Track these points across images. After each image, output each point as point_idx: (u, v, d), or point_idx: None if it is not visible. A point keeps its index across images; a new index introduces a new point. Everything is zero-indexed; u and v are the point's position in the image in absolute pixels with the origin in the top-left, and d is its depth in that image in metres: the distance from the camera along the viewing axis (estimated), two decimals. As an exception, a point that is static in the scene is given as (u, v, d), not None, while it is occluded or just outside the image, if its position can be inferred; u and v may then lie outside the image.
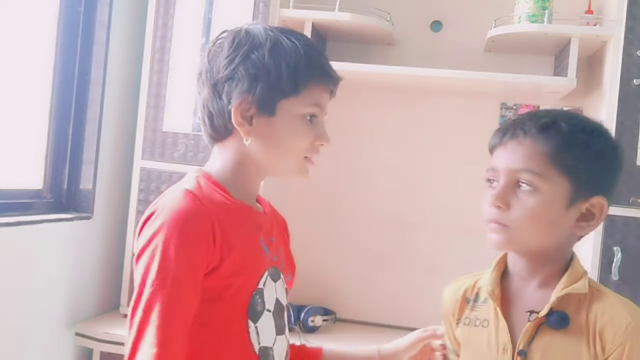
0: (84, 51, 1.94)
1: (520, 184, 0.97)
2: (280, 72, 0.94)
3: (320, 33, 2.13)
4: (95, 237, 2.03)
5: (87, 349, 1.92)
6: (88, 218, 1.95)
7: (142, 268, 0.88)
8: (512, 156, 0.99)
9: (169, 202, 0.91)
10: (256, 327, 0.95)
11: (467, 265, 2.17)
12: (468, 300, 1.09)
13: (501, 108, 2.20)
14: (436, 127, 2.24)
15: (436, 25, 2.24)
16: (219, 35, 1.01)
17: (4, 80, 1.73)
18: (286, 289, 1.05)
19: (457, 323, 1.10)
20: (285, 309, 1.04)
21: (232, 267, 0.91)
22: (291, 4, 2.00)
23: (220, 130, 0.99)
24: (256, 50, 0.95)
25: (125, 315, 1.97)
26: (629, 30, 1.78)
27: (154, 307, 0.85)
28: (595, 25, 1.92)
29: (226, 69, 0.95)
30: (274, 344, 0.98)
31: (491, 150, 1.04)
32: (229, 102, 0.95)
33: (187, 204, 0.90)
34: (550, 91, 2.06)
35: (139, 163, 2.00)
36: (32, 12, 1.83)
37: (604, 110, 1.83)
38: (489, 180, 1.02)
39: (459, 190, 2.21)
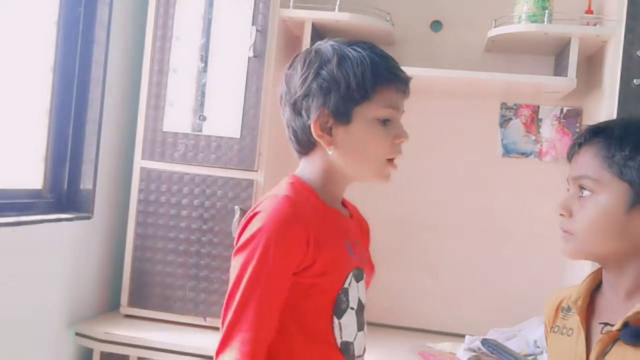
0: (84, 51, 1.94)
1: (582, 190, 1.00)
2: (349, 82, 1.01)
3: (320, 33, 2.13)
4: (95, 237, 2.03)
5: (87, 349, 1.92)
6: (88, 218, 1.95)
7: (240, 262, 0.97)
8: (574, 165, 1.03)
9: (270, 205, 0.99)
10: (340, 323, 1.02)
11: (468, 265, 2.19)
12: (562, 309, 1.09)
13: (501, 108, 2.21)
14: (436, 127, 2.23)
15: (436, 25, 2.24)
16: (293, 59, 1.09)
17: (4, 80, 1.73)
18: (365, 288, 1.12)
19: (550, 330, 1.10)
20: (365, 307, 1.10)
21: (322, 267, 0.99)
22: (291, 4, 2.00)
23: (305, 144, 1.06)
24: (325, 66, 1.02)
25: (126, 315, 1.99)
26: (629, 30, 1.78)
27: (252, 296, 0.94)
28: (595, 25, 1.92)
29: (301, 87, 1.03)
30: (354, 339, 1.05)
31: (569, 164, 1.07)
32: (308, 118, 1.03)
33: (286, 208, 0.98)
34: (550, 91, 2.06)
35: (139, 163, 2.01)
36: (32, 12, 1.83)
37: (604, 110, 1.83)
38: (568, 191, 1.05)
39: (459, 190, 2.21)
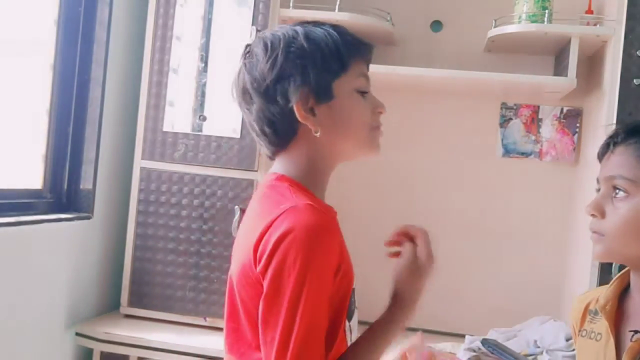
0: (84, 51, 1.94)
1: (615, 191, 0.97)
2: (324, 55, 0.94)
3: (320, 33, 2.13)
4: (95, 237, 2.03)
5: (87, 349, 1.92)
6: (88, 218, 1.95)
7: (287, 293, 0.85)
8: (608, 165, 1.00)
9: (300, 221, 0.87)
10: (350, 325, 0.97)
11: (468, 265, 2.19)
12: (590, 312, 1.07)
13: (501, 108, 2.20)
14: (436, 127, 2.24)
15: (436, 25, 2.24)
16: (245, 50, 1.01)
17: (4, 80, 1.73)
18: None
19: (578, 334, 1.09)
20: None
21: (344, 270, 0.92)
22: (291, 4, 2.00)
23: (285, 134, 0.97)
24: (293, 44, 0.95)
25: (126, 315, 1.99)
26: (629, 30, 1.78)
27: (313, 327, 0.85)
28: (595, 25, 1.92)
29: (272, 71, 0.94)
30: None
31: (599, 162, 1.05)
32: (287, 102, 0.94)
33: (318, 220, 0.88)
34: (550, 91, 2.06)
35: (139, 163, 2.01)
36: (33, 11, 1.83)
37: (604, 110, 1.82)
38: (597, 192, 1.02)
39: (459, 190, 2.21)
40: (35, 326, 1.76)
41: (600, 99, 1.92)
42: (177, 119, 1.99)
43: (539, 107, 2.18)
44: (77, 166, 1.96)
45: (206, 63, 1.97)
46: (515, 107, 2.19)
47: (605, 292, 1.03)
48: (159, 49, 1.99)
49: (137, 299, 2.00)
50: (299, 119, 0.94)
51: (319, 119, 0.95)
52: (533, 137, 2.18)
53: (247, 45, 1.02)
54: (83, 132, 1.95)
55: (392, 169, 2.24)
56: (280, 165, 1.00)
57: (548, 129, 2.17)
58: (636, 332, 0.95)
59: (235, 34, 1.95)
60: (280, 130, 0.97)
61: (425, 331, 2.20)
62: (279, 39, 0.96)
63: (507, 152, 2.19)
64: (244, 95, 0.99)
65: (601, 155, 1.03)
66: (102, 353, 1.88)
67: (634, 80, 1.77)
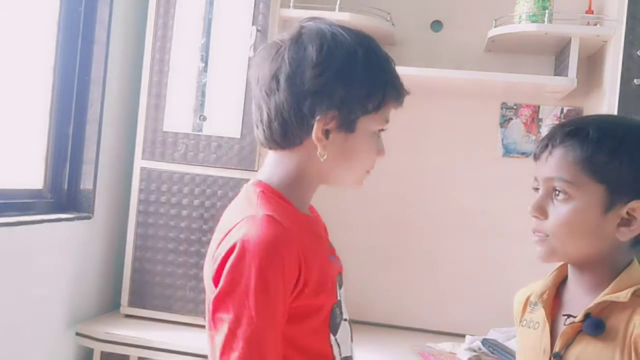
0: (84, 51, 1.94)
1: (556, 192, 0.98)
2: (371, 90, 0.91)
3: (321, 33, 2.13)
4: (95, 237, 2.03)
5: (87, 349, 1.92)
6: (88, 218, 1.95)
7: (235, 301, 0.84)
8: (545, 166, 1.00)
9: (254, 232, 0.85)
10: (336, 339, 0.94)
11: (468, 265, 2.20)
12: (530, 303, 1.10)
13: (501, 108, 2.20)
14: (436, 127, 2.24)
15: (436, 25, 2.24)
16: (297, 33, 0.94)
17: (4, 80, 1.73)
18: None
19: (519, 324, 1.11)
20: None
21: (316, 287, 0.89)
22: (291, 4, 2.00)
23: (291, 140, 0.93)
24: (349, 64, 0.90)
25: (126, 315, 1.99)
26: (629, 30, 1.78)
27: (255, 342, 0.82)
28: (595, 25, 1.92)
29: (314, 81, 0.89)
30: (351, 352, 0.98)
31: (535, 160, 1.05)
32: (312, 116, 0.90)
33: (273, 233, 0.85)
34: (551, 91, 2.06)
35: (140, 163, 2.01)
36: (32, 12, 1.83)
37: (604, 110, 1.83)
38: (535, 189, 1.03)
39: (459, 190, 2.22)
40: (35, 326, 1.76)
41: (600, 99, 1.92)
42: (177, 119, 1.99)
43: (539, 107, 2.18)
44: (78, 166, 1.96)
45: (206, 63, 1.97)
46: (515, 107, 2.19)
47: (545, 282, 1.06)
48: (159, 49, 1.99)
49: (137, 299, 2.00)
50: (313, 137, 0.90)
51: (330, 144, 0.92)
52: (533, 137, 2.18)
53: (302, 27, 0.95)
54: (83, 132, 1.95)
55: (392, 169, 2.24)
56: (267, 167, 0.98)
57: (548, 129, 2.16)
58: (569, 316, 0.97)
59: (235, 34, 1.95)
60: (288, 134, 0.92)
61: (425, 331, 2.21)
62: (337, 48, 0.90)
63: (508, 152, 2.19)
64: (271, 81, 0.92)
65: (539, 155, 1.03)
66: (102, 353, 1.88)
67: (634, 80, 1.77)
